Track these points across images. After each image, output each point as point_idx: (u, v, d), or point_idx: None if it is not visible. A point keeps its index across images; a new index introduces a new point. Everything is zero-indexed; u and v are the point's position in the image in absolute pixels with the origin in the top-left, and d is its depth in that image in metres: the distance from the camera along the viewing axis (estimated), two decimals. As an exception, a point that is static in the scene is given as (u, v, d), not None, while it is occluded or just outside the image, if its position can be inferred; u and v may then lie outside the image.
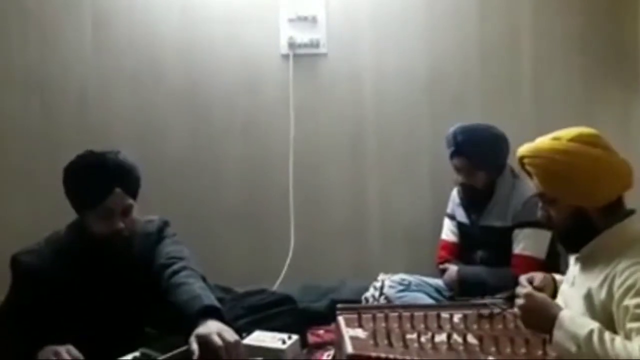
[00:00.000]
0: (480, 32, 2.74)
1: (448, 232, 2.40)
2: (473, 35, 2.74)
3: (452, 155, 2.21)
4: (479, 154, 2.15)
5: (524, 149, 1.43)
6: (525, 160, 1.42)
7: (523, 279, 1.53)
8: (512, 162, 2.19)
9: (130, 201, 1.58)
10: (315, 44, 2.68)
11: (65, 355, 1.40)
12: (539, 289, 1.45)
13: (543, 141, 1.40)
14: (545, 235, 2.07)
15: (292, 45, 2.67)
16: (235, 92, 2.69)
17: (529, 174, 1.46)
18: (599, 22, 2.76)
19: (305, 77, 2.70)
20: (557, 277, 1.57)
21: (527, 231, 2.09)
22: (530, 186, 2.12)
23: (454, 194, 2.39)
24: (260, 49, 2.69)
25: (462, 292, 2.12)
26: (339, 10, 2.69)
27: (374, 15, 2.71)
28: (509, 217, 2.14)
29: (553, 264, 2.11)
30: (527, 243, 2.09)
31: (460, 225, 2.35)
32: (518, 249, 2.11)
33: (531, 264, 2.02)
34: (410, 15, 2.72)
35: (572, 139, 1.35)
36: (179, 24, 2.66)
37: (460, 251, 2.34)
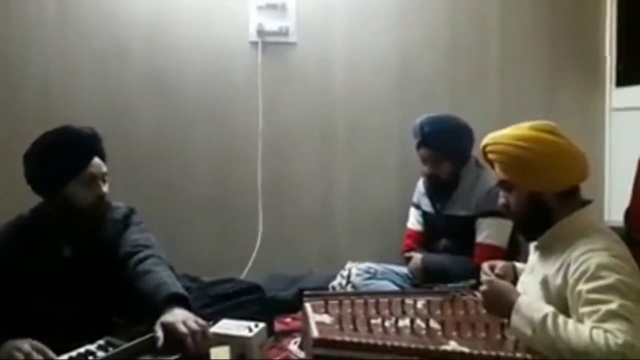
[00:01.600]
0: (450, 25, 2.78)
1: (413, 221, 2.45)
2: (443, 27, 2.78)
3: (419, 146, 2.24)
4: (444, 144, 2.19)
5: (487, 138, 1.49)
6: (488, 149, 1.47)
7: (485, 266, 1.59)
8: (476, 153, 2.24)
9: (105, 168, 1.62)
10: (284, 32, 2.67)
11: (27, 349, 1.35)
12: (500, 276, 1.51)
13: (505, 131, 1.46)
14: (507, 225, 2.12)
15: (260, 32, 2.65)
16: (204, 79, 2.66)
17: (490, 163, 1.51)
18: (563, 18, 2.85)
19: (274, 65, 2.69)
20: (518, 265, 1.62)
21: (489, 220, 2.14)
22: (494, 176, 2.19)
23: (420, 184, 2.43)
24: (228, 35, 2.66)
25: (426, 279, 2.16)
26: (309, -2, 2.68)
27: (344, 5, 2.72)
28: (473, 207, 2.19)
29: (513, 253, 2.18)
30: (489, 232, 2.14)
31: (425, 215, 2.39)
32: (480, 237, 2.16)
33: (493, 252, 2.07)
34: (381, 6, 2.74)
35: (532, 127, 1.41)
36: (148, 9, 2.60)
37: (425, 240, 2.39)
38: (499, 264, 1.59)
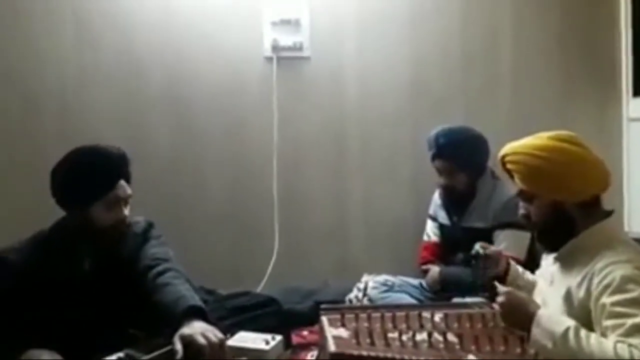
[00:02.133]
0: (462, 37, 2.79)
1: (430, 234, 2.44)
2: (455, 40, 2.78)
3: (434, 158, 2.24)
4: (459, 156, 2.19)
5: (505, 148, 1.48)
6: (507, 159, 1.46)
7: (479, 244, 1.64)
8: (492, 164, 2.24)
9: (130, 190, 1.63)
10: (298, 47, 2.69)
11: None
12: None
13: (524, 141, 1.45)
14: (524, 237, 2.10)
15: (275, 48, 2.68)
16: (219, 94, 2.70)
17: (509, 174, 1.49)
18: (576, 25, 2.83)
19: (289, 79, 2.71)
20: (514, 267, 1.63)
21: (507, 232, 2.11)
22: (511, 188, 2.18)
23: (436, 196, 2.42)
24: (243, 51, 2.69)
25: (443, 292, 2.15)
26: (322, 13, 2.71)
27: (357, 19, 2.74)
28: (490, 218, 2.18)
29: (532, 265, 2.15)
30: (507, 244, 2.12)
31: (441, 227, 2.38)
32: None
33: None
34: (393, 19, 2.75)
35: (551, 137, 1.40)
36: (162, 26, 2.65)
37: (442, 252, 2.37)
38: (492, 247, 1.63)
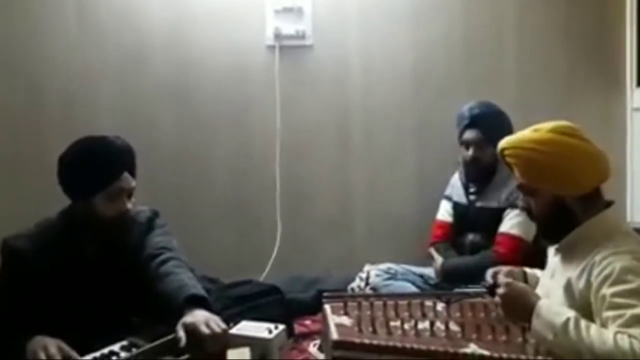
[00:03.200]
0: (465, 24, 2.76)
1: (444, 213, 2.44)
2: (458, 27, 2.76)
3: (465, 129, 2.26)
4: (490, 126, 2.19)
5: (504, 141, 1.46)
6: (506, 152, 1.45)
7: (489, 273, 1.54)
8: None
9: (134, 183, 1.63)
10: (301, 35, 2.68)
11: (53, 350, 1.39)
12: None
13: (523, 134, 1.43)
14: None
15: (277, 36, 2.66)
16: (222, 83, 2.69)
17: (509, 166, 1.49)
18: (582, 15, 2.80)
19: (291, 68, 2.70)
20: (529, 271, 1.58)
21: (517, 211, 2.11)
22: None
23: (455, 177, 2.42)
24: (246, 40, 2.68)
25: (447, 283, 2.15)
26: (324, 1, 2.69)
27: (359, 7, 2.72)
28: (503, 199, 2.19)
29: (539, 252, 2.14)
30: (515, 222, 2.12)
31: (455, 206, 2.38)
32: (506, 227, 2.14)
33: (516, 243, 2.07)
34: (396, 7, 2.73)
35: (551, 130, 1.38)
36: (165, 15, 2.64)
37: (453, 232, 2.38)
38: (503, 269, 1.55)
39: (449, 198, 2.44)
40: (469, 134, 2.25)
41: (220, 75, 2.68)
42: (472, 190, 2.31)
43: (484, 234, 2.22)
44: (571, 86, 2.81)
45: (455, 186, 2.40)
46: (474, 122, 2.23)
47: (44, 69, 2.60)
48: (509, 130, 2.20)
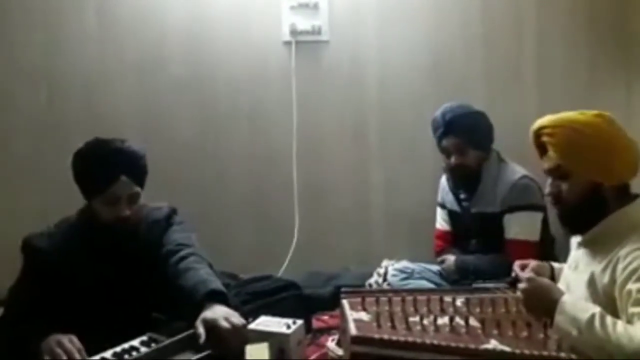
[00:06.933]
0: (483, 17, 2.72)
1: (441, 221, 2.40)
2: (476, 20, 2.72)
3: (442, 137, 2.18)
4: (469, 129, 2.13)
5: (545, 119, 1.40)
6: (545, 131, 1.38)
7: (517, 265, 1.53)
8: (497, 147, 2.23)
9: (137, 189, 1.60)
10: (317, 31, 2.67)
11: (68, 345, 1.41)
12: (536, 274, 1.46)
13: (567, 114, 1.38)
14: (536, 217, 2.08)
15: (294, 32, 2.66)
16: (239, 80, 2.69)
17: (541, 149, 1.42)
18: (604, 5, 2.74)
19: (308, 64, 2.70)
20: (556, 265, 1.57)
21: (517, 215, 2.08)
22: (517, 170, 2.14)
23: (443, 182, 2.37)
24: (262, 36, 2.68)
25: (462, 281, 2.12)
26: (340, -4, 2.68)
27: (376, 2, 2.70)
28: (497, 203, 2.13)
29: (548, 248, 2.12)
30: (518, 227, 2.08)
31: (451, 214, 2.34)
32: (511, 234, 2.10)
33: (525, 247, 2.02)
34: (412, 1, 2.70)
35: (597, 115, 1.35)
36: (183, 13, 2.65)
37: (455, 239, 2.34)
38: (532, 262, 1.52)
39: (442, 205, 2.39)
40: (447, 141, 2.16)
41: (237, 72, 2.69)
42: (462, 196, 2.26)
43: (485, 239, 2.18)
44: (592, 76, 2.74)
45: (445, 192, 2.35)
46: (449, 128, 2.14)
47: (65, 73, 2.63)
48: (488, 129, 2.19)
